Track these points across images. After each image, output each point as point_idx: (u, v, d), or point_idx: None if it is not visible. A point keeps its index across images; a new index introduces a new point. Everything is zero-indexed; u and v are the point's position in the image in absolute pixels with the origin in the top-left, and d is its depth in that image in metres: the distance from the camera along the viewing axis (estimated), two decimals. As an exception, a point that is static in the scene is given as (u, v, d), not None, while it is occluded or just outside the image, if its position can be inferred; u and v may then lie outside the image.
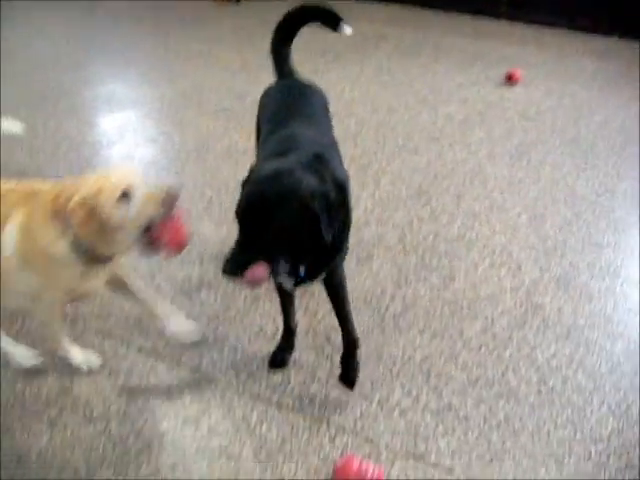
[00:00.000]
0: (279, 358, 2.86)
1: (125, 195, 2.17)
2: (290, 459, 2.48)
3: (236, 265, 2.05)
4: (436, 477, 2.41)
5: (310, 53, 6.20)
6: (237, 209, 2.07)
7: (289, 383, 2.79)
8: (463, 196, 4.02)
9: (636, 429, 2.60)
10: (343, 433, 2.57)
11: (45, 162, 4.45)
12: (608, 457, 2.49)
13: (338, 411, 2.66)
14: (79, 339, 2.97)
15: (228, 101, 5.29)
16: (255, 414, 2.65)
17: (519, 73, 5.58)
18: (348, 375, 2.68)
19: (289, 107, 2.77)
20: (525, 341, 2.99)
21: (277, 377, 2.81)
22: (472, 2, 7.25)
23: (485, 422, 2.62)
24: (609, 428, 2.60)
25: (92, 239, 2.27)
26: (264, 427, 2.60)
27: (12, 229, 2.35)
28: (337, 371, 2.70)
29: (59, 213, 2.25)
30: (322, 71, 5.72)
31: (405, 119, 4.96)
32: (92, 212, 2.18)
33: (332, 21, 3.00)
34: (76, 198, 2.20)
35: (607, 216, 3.85)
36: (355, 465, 2.32)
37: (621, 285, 3.33)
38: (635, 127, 4.87)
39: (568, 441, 2.55)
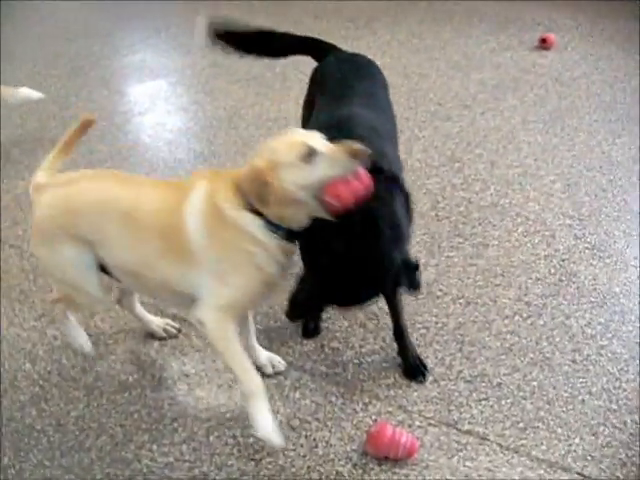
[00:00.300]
0: (311, 327, 2.86)
1: (310, 153, 1.96)
2: (323, 426, 2.50)
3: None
4: (469, 444, 2.42)
5: (339, 19, 6.15)
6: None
7: (322, 351, 2.80)
8: (496, 163, 3.97)
9: (672, 398, 2.58)
10: (377, 400, 2.58)
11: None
12: (643, 427, 2.48)
13: (371, 379, 2.67)
14: (113, 308, 3.00)
15: (258, 69, 5.25)
16: (289, 381, 2.67)
17: (553, 37, 5.46)
18: (410, 368, 2.68)
19: (347, 84, 2.62)
20: (559, 309, 2.97)
21: (310, 345, 2.82)
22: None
23: (519, 390, 2.61)
24: (645, 397, 2.59)
25: (273, 207, 2.04)
26: (297, 394, 2.62)
27: (197, 198, 2.17)
28: (370, 338, 2.71)
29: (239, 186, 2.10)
30: (352, 37, 5.66)
31: (437, 85, 4.90)
32: (272, 175, 1.98)
33: None
34: (253, 161, 2.05)
35: (643, 183, 3.79)
36: (388, 432, 2.33)
37: (657, 252, 3.28)
38: (673, 91, 4.76)
39: (603, 411, 2.53)
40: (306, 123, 2.69)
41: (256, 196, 2.03)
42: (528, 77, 5.02)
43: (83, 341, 2.76)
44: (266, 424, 2.19)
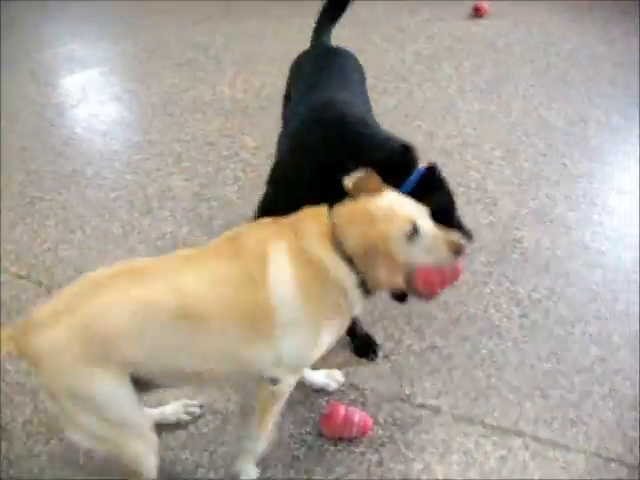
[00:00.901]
0: None
1: (415, 231, 1.87)
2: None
3: None
4: (423, 417, 2.42)
5: (272, 1, 6.07)
6: None
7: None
8: (435, 134, 3.97)
9: (618, 355, 2.62)
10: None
11: (8, 128, 4.33)
12: (592, 385, 2.52)
13: (321, 359, 2.64)
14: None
15: (191, 53, 5.16)
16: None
17: (486, 5, 5.48)
18: (360, 346, 2.67)
19: (322, 72, 2.62)
20: (505, 276, 2.99)
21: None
22: None
23: (469, 360, 2.63)
24: (591, 357, 2.63)
25: (370, 272, 1.91)
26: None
27: (280, 260, 1.91)
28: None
29: (336, 240, 1.91)
30: (285, 17, 5.60)
31: (372, 59, 4.83)
32: (379, 244, 1.85)
33: None
34: (364, 227, 1.88)
35: (581, 145, 3.83)
36: (341, 412, 2.32)
37: (598, 214, 3.32)
38: (606, 54, 4.81)
39: (552, 373, 2.57)
40: (285, 112, 2.75)
41: (369, 261, 1.87)
42: (463, 46, 5.03)
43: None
44: (253, 473, 2.24)
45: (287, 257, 1.89)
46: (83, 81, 5.00)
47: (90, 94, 4.79)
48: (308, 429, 2.40)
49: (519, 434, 2.37)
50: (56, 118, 4.50)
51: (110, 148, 4.11)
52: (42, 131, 4.33)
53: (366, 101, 2.61)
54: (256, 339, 1.90)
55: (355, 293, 1.93)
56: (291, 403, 2.46)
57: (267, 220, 2.01)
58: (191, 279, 1.87)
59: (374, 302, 2.85)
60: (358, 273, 1.89)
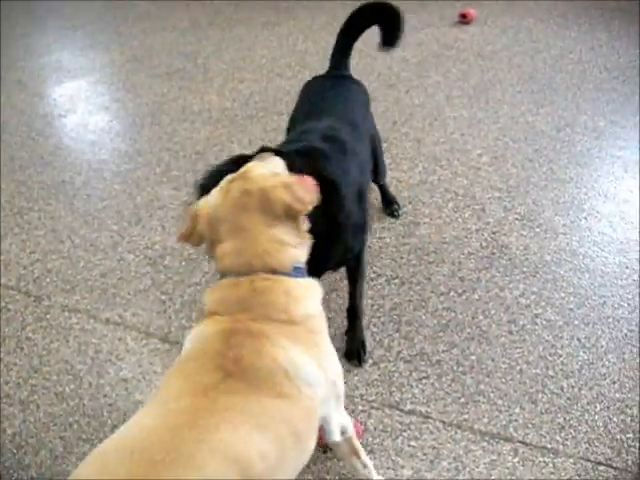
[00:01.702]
0: None
1: None
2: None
3: None
4: (413, 424, 2.43)
5: (260, 6, 6.09)
6: None
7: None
8: (423, 140, 3.98)
9: (605, 360, 2.63)
10: (317, 388, 2.56)
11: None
12: (580, 390, 2.52)
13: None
14: (45, 317, 2.94)
15: (179, 62, 5.17)
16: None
17: (473, 12, 5.51)
18: (351, 350, 2.69)
19: (322, 101, 2.66)
20: (493, 282, 3.00)
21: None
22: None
23: (458, 366, 2.63)
24: (580, 361, 2.63)
25: None
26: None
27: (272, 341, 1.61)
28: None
29: None
30: (273, 23, 5.61)
31: (360, 66, 4.86)
32: None
33: (391, 33, 2.83)
34: None
35: (568, 151, 3.84)
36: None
37: (585, 219, 3.33)
38: (592, 59, 4.84)
39: (540, 378, 2.57)
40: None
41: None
42: (450, 53, 5.05)
43: None
44: None
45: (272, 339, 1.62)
46: (71, 91, 5.00)
47: (78, 104, 4.80)
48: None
49: (508, 439, 2.37)
50: (44, 128, 4.50)
51: (99, 158, 4.11)
52: (30, 141, 4.33)
53: (361, 126, 2.60)
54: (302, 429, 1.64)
55: None
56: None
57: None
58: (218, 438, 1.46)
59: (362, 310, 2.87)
60: None
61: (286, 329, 1.65)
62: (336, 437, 1.93)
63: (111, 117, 4.59)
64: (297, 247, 1.73)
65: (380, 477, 2.20)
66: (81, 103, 4.81)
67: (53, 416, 2.58)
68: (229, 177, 1.78)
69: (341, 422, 1.94)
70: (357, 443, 2.08)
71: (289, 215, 1.69)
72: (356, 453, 2.08)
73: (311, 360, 1.66)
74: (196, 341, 1.68)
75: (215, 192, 1.77)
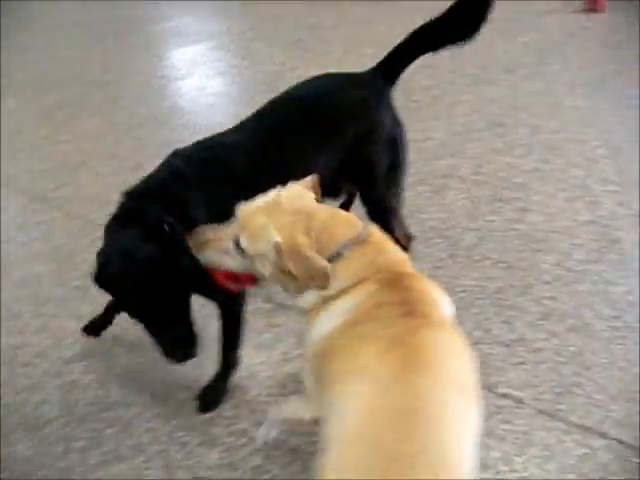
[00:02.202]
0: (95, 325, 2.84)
1: None
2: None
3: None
4: (506, 407, 2.42)
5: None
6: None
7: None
8: (539, 128, 3.93)
9: None
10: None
11: (118, 96, 4.50)
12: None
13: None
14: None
15: (300, 33, 5.23)
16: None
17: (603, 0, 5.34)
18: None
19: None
20: (601, 276, 2.93)
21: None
22: None
23: (557, 355, 2.59)
24: (685, 365, 2.55)
25: None
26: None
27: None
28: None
29: None
30: (393, 2, 5.62)
31: (480, 49, 4.82)
32: None
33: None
34: None
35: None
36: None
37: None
38: None
39: (641, 378, 2.51)
40: None
41: None
42: (574, 40, 4.93)
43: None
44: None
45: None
46: (190, 55, 5.17)
47: (196, 68, 4.94)
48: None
49: (602, 435, 2.33)
50: (162, 89, 4.66)
51: (214, 120, 4.23)
52: (148, 100, 4.48)
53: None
54: None
55: None
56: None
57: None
58: None
59: (465, 289, 2.87)
60: None
61: None
62: None
63: (228, 82, 4.71)
64: None
65: None
66: (199, 67, 4.95)
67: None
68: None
69: None
70: None
71: None
72: None
73: None
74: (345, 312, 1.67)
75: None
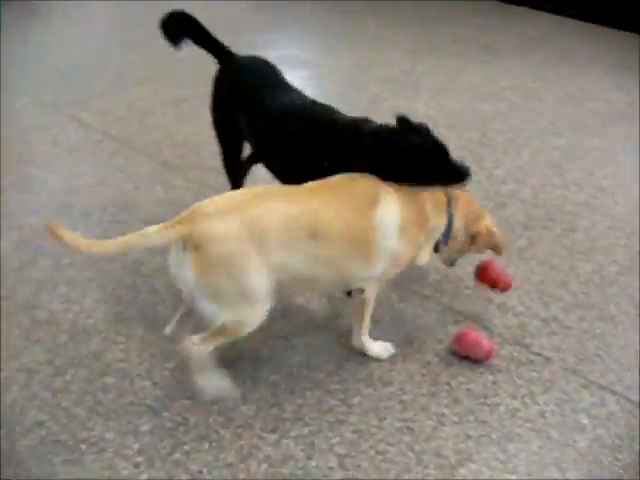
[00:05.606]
0: None
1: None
2: (419, 331, 3.12)
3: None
4: (536, 361, 2.97)
5: (474, 43, 6.84)
6: None
7: (428, 277, 3.44)
8: (594, 173, 4.52)
9: None
10: (465, 319, 3.18)
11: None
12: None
13: (463, 303, 3.26)
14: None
15: (395, 74, 5.97)
16: (396, 295, 3.31)
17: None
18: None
19: (271, 80, 3.34)
20: (629, 284, 3.46)
21: (418, 271, 3.38)
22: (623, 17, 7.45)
23: (584, 334, 3.14)
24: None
25: (461, 246, 2.93)
26: (402, 305, 3.26)
27: (392, 205, 2.57)
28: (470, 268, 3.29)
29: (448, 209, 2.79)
30: (483, 60, 6.34)
31: (552, 107, 5.47)
32: (484, 234, 2.91)
33: None
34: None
35: None
36: (472, 334, 2.93)
37: None
38: None
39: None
40: (231, 132, 3.44)
41: (466, 240, 2.91)
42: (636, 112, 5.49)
43: (226, 384, 2.66)
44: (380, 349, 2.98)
45: (396, 202, 2.57)
46: (299, 81, 5.85)
47: (305, 90, 5.62)
48: (443, 346, 3.02)
49: (613, 392, 2.82)
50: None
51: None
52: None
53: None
54: (358, 259, 2.57)
55: (430, 246, 2.83)
56: (432, 329, 3.10)
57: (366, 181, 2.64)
58: (320, 206, 2.45)
59: (513, 278, 3.40)
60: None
61: None
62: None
63: (333, 104, 5.37)
64: None
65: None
66: (308, 90, 5.64)
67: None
68: None
69: (363, 286, 2.73)
70: (365, 314, 2.82)
71: None
72: (359, 318, 2.84)
73: (399, 233, 2.60)
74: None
75: None
